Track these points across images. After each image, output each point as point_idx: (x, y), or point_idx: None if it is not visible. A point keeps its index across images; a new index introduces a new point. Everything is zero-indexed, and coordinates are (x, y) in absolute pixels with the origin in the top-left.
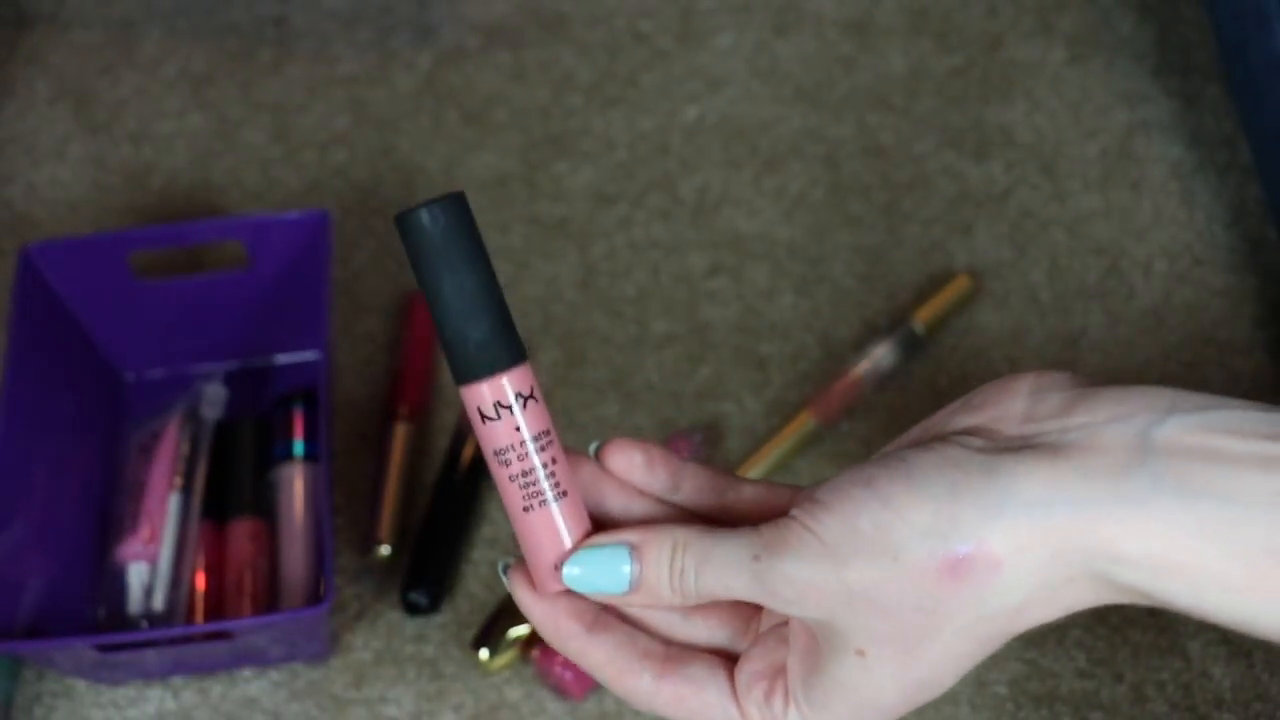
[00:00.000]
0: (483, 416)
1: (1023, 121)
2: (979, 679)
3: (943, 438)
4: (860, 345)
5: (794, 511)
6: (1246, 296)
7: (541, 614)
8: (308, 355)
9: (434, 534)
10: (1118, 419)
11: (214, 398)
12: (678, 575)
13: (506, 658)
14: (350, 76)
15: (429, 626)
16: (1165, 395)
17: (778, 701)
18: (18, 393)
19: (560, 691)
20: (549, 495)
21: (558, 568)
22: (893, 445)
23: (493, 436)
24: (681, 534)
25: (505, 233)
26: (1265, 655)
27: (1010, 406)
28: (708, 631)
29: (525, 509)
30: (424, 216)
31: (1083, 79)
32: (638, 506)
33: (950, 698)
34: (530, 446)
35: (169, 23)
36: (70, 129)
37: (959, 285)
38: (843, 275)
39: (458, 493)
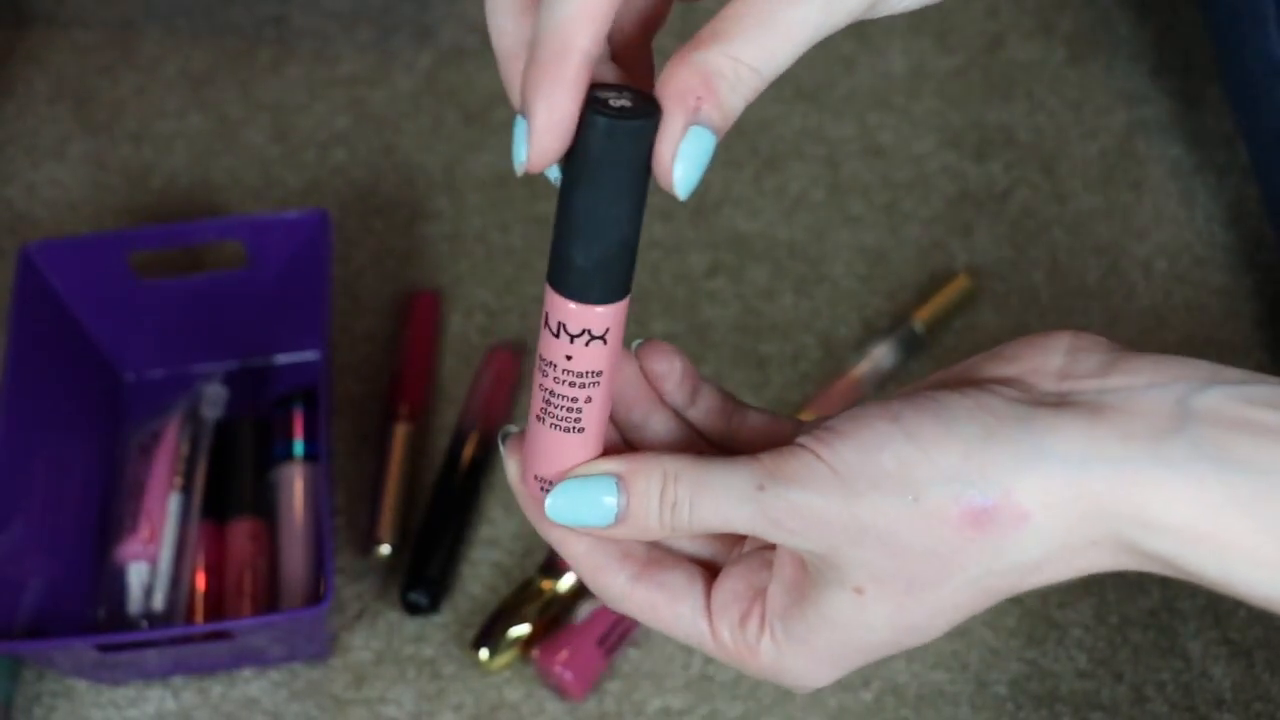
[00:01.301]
0: (546, 321)
1: (1023, 121)
2: (979, 679)
3: (976, 383)
4: (860, 345)
5: (802, 439)
6: (1246, 296)
7: (529, 494)
8: (308, 355)
9: (434, 534)
10: (1156, 385)
11: (214, 398)
12: (669, 508)
13: (506, 658)
14: (350, 76)
15: (429, 626)
16: (1204, 366)
17: (752, 626)
18: (18, 392)
19: (560, 692)
20: (560, 424)
21: (543, 488)
22: (917, 385)
23: (544, 345)
24: (672, 464)
25: (505, 232)
26: (1266, 655)
27: (1046, 362)
28: (692, 545)
29: (538, 418)
30: (632, 129)
31: (1082, 79)
32: (656, 421)
33: (950, 698)
34: (566, 377)
35: (169, 23)
36: (70, 129)
37: (959, 285)
38: (843, 275)
39: (458, 493)
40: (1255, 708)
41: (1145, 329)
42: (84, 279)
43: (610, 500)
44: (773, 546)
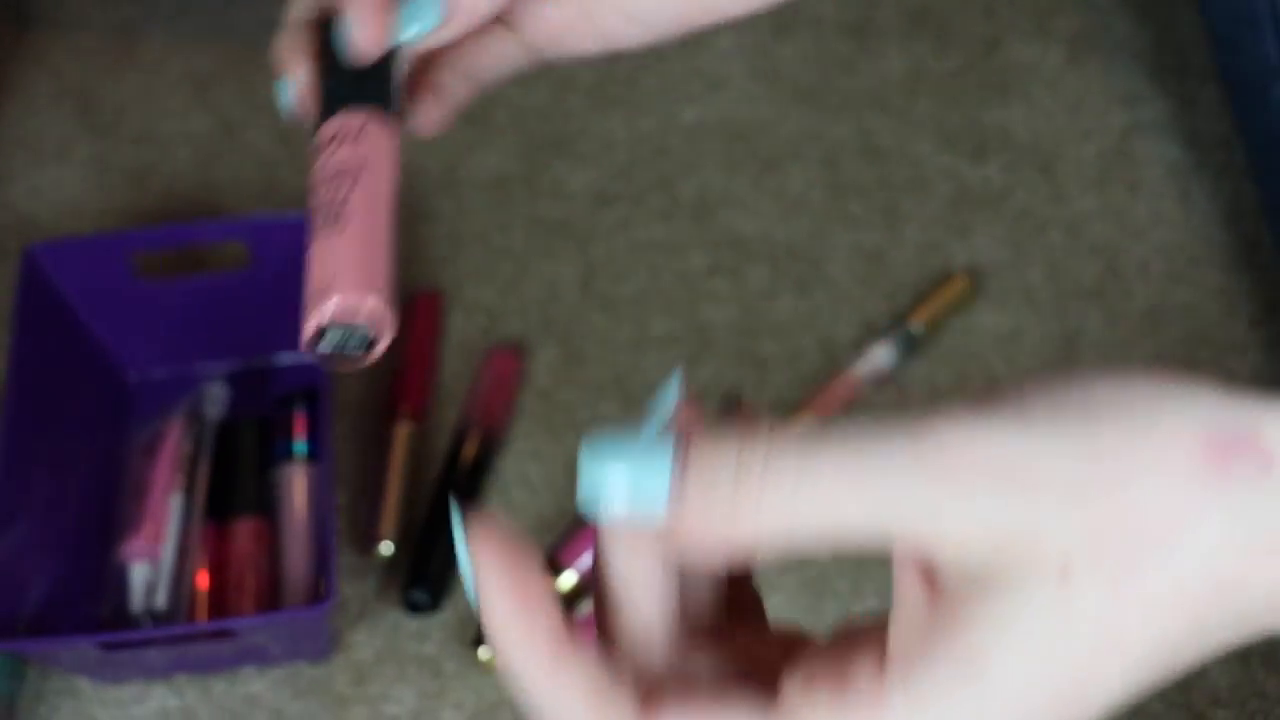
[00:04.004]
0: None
1: (1021, 122)
2: None
3: None
4: (859, 345)
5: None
6: (1242, 296)
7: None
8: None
9: (435, 532)
10: None
11: (216, 397)
12: (753, 475)
13: None
14: None
15: (430, 625)
16: None
17: (861, 677)
18: (21, 393)
19: None
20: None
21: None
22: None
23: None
24: (763, 431)
25: (505, 232)
26: (1262, 653)
27: None
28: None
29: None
30: None
31: (1080, 80)
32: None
33: None
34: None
35: (171, 25)
36: (73, 130)
37: (957, 285)
38: (842, 276)
39: (459, 491)
40: (1251, 705)
41: (1142, 329)
42: (87, 280)
43: (664, 462)
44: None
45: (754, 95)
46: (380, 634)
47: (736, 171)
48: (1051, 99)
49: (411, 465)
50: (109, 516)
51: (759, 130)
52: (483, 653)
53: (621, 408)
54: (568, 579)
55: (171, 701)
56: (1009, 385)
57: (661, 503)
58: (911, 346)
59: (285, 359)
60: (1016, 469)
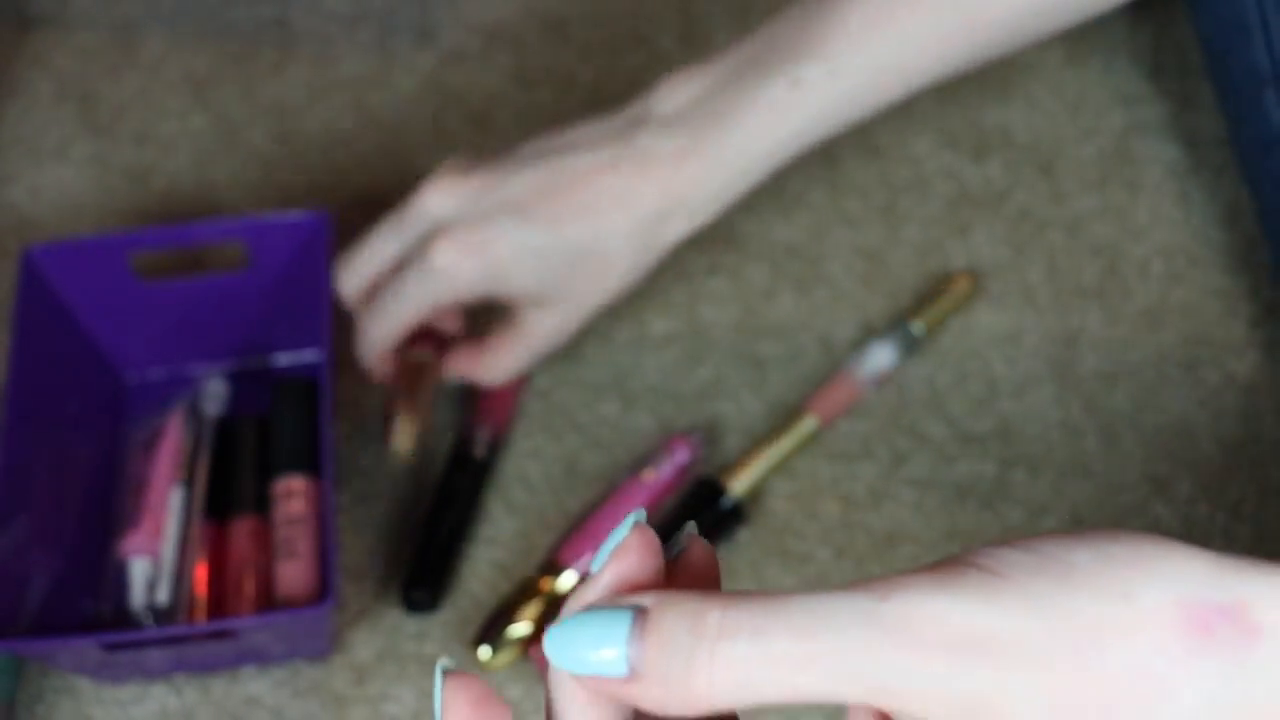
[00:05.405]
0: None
1: (1020, 122)
2: None
3: None
4: (859, 345)
5: (935, 563)
6: (1242, 296)
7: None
8: (308, 355)
9: (435, 532)
10: None
11: (214, 393)
12: (705, 650)
13: (507, 656)
14: (352, 78)
15: (430, 625)
16: None
17: None
18: (20, 392)
19: None
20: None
21: None
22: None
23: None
24: (716, 597)
25: None
26: None
27: None
28: None
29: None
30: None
31: (1080, 80)
32: None
33: None
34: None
35: (171, 24)
36: (73, 130)
37: (957, 285)
38: (841, 275)
39: (459, 491)
40: None
41: (1142, 329)
42: (86, 280)
43: (622, 632)
44: None
45: None
46: (380, 634)
47: None
48: (1051, 99)
49: (412, 464)
50: (108, 515)
51: None
52: (482, 653)
53: (621, 408)
54: (568, 579)
55: (171, 701)
56: (976, 556)
57: (621, 666)
58: (911, 346)
59: (284, 359)
60: (984, 638)
